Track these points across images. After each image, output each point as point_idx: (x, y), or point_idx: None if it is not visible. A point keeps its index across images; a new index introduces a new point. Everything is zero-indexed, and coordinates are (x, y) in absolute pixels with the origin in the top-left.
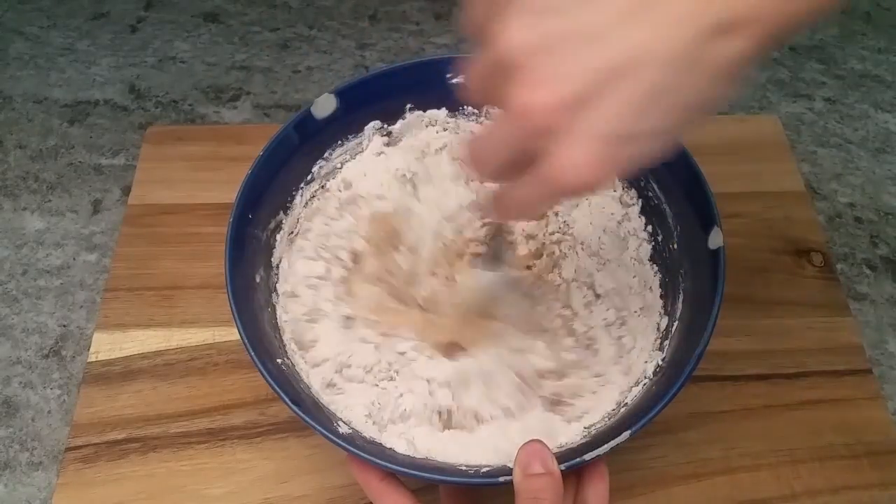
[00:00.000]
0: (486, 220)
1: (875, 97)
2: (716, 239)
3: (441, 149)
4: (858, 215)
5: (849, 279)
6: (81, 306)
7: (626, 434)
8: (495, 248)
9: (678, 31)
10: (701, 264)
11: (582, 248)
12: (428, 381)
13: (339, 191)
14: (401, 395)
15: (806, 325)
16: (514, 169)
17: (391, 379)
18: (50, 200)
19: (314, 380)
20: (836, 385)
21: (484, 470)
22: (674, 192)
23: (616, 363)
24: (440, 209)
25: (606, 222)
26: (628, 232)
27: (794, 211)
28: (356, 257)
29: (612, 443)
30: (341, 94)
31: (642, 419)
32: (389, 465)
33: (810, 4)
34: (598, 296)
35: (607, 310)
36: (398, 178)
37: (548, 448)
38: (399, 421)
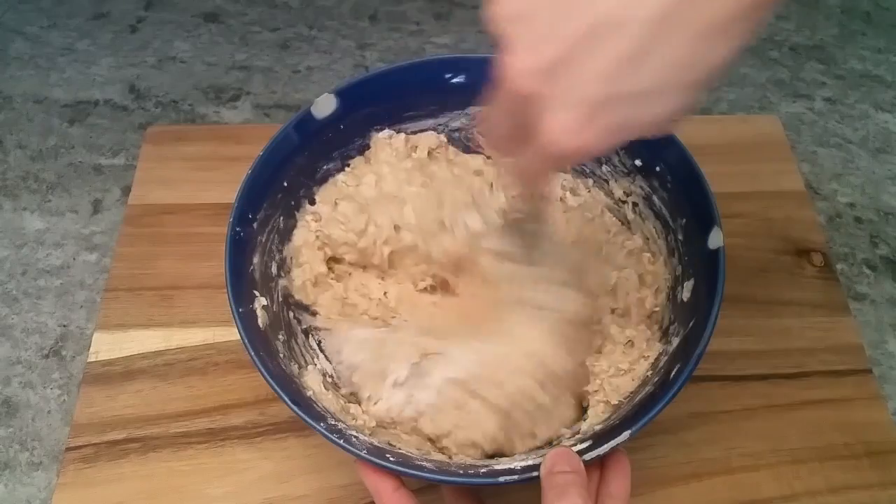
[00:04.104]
0: (513, 193)
1: (875, 97)
2: (716, 239)
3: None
4: (858, 215)
5: (849, 279)
6: (81, 306)
7: (626, 434)
8: (531, 212)
9: None
10: (701, 264)
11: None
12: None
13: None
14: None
15: (806, 325)
16: (518, 140)
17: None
18: (50, 200)
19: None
20: (836, 385)
21: (483, 470)
22: (674, 191)
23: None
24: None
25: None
26: None
27: (794, 211)
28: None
29: (612, 443)
30: (341, 94)
31: (642, 419)
32: (388, 464)
33: None
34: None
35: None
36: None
37: (573, 452)
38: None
